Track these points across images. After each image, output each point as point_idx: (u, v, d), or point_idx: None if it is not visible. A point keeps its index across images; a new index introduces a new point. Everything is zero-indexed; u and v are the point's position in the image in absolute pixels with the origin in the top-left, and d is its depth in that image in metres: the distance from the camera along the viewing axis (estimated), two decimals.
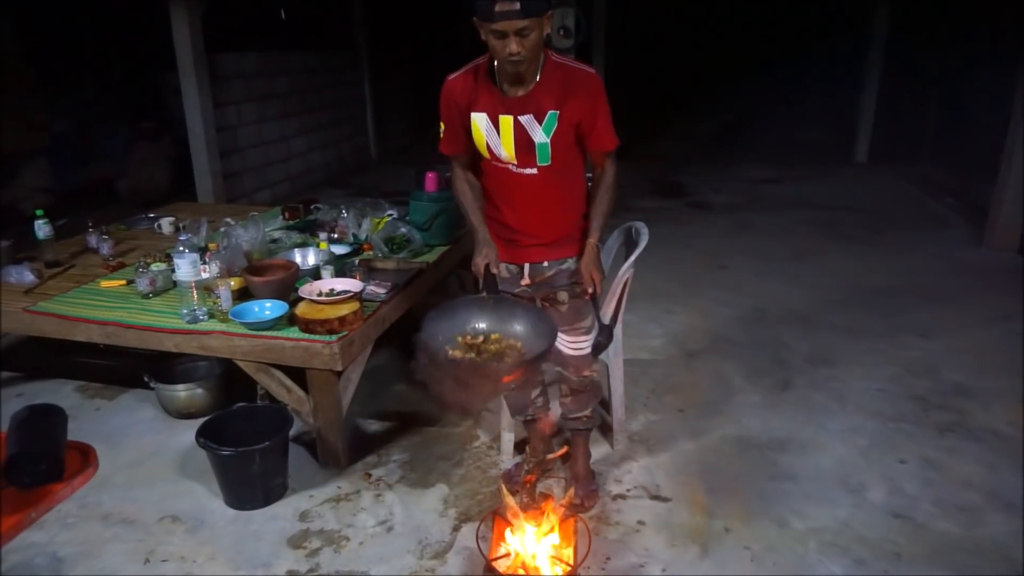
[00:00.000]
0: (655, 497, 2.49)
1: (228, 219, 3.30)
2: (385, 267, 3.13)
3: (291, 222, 3.78)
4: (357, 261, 3.13)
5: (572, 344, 2.25)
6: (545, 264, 2.20)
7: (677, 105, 12.63)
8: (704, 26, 13.00)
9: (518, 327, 2.00)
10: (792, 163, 8.65)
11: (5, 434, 1.36)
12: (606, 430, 2.85)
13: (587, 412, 2.44)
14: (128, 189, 6.65)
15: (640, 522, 2.36)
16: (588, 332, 2.26)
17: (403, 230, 3.34)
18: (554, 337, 1.92)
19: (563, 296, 2.23)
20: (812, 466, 2.66)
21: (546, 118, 1.95)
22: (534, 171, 2.04)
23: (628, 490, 2.53)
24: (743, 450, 2.77)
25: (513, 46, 1.79)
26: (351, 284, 2.73)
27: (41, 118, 5.82)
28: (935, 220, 6.13)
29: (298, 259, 3.12)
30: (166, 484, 2.59)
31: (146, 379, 2.96)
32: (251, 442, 2.39)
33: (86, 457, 1.44)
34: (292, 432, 2.63)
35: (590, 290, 2.06)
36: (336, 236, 3.50)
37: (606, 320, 2.54)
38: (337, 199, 5.35)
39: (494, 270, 2.10)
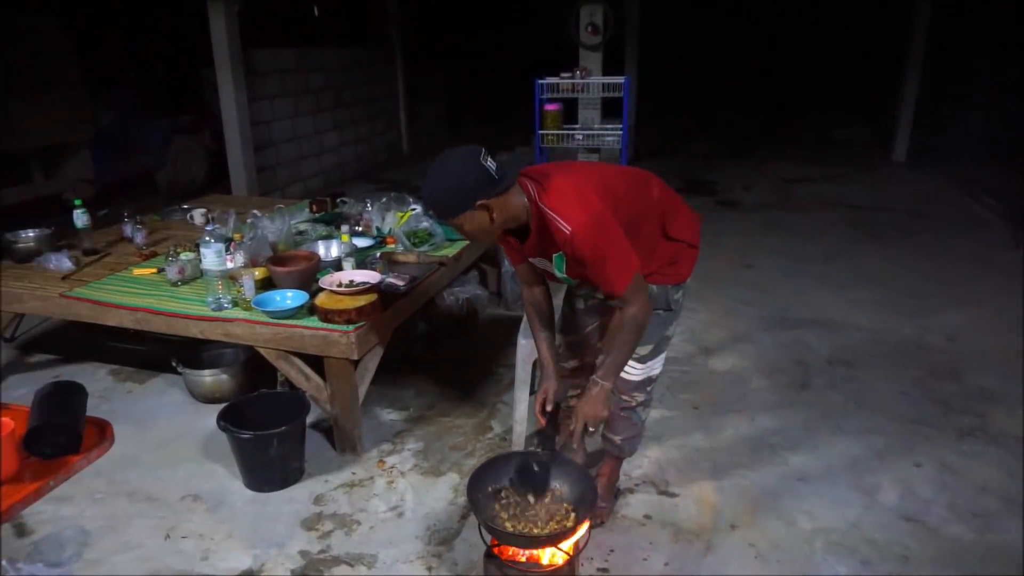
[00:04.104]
0: (663, 492, 2.51)
1: (255, 211, 3.40)
2: (406, 260, 3.20)
3: (317, 215, 3.87)
4: (378, 254, 3.19)
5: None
6: None
7: (711, 102, 12.50)
8: (741, 22, 12.83)
9: (557, 483, 2.07)
10: (827, 162, 8.51)
11: (29, 408, 1.45)
12: None
13: (618, 438, 2.30)
14: (167, 181, 6.88)
15: (646, 516, 2.38)
16: (642, 361, 2.14)
17: (425, 224, 3.40)
18: (595, 500, 1.97)
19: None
20: (824, 466, 2.64)
21: (553, 261, 1.91)
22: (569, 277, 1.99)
23: (636, 484, 2.55)
24: (755, 448, 2.76)
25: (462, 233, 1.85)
26: (370, 276, 2.80)
27: (86, 112, 6.04)
28: (974, 221, 5.98)
29: (321, 251, 3.20)
30: (190, 465, 2.70)
31: (174, 364, 3.08)
32: (270, 427, 2.47)
33: (103, 432, 1.53)
34: (310, 419, 2.71)
35: (571, 429, 1.96)
36: (360, 229, 3.57)
37: None
38: (367, 193, 5.44)
39: (548, 407, 2.05)
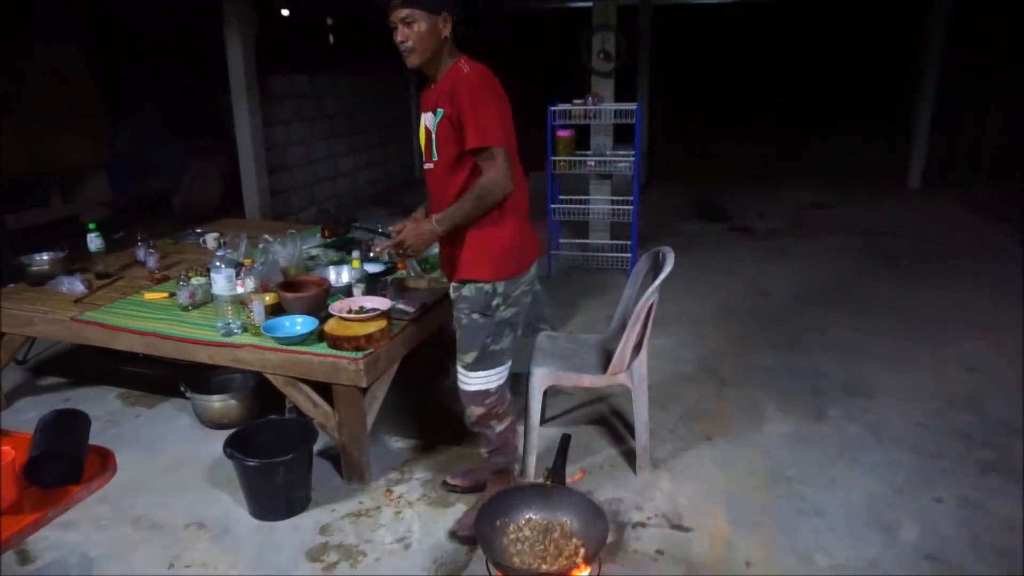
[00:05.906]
0: (676, 526, 2.45)
1: (266, 236, 3.40)
2: (416, 286, 3.18)
3: (329, 240, 3.87)
4: (389, 280, 3.18)
5: (459, 375, 2.26)
6: (453, 284, 2.23)
7: (725, 128, 12.51)
8: (753, 48, 12.88)
9: (568, 517, 2.08)
10: (842, 187, 8.45)
11: (31, 435, 1.44)
12: (630, 456, 2.82)
13: (483, 451, 2.42)
14: (182, 204, 6.94)
15: (659, 551, 2.33)
16: (469, 369, 2.20)
17: (436, 250, 3.38)
18: (606, 537, 1.96)
19: (455, 322, 2.25)
20: (842, 501, 2.57)
21: (436, 113, 2.07)
22: (431, 165, 2.15)
23: (648, 518, 2.49)
24: (770, 482, 2.70)
25: (398, 35, 2.00)
26: (380, 302, 2.78)
27: (104, 135, 6.12)
28: (990, 247, 5.91)
29: (332, 276, 3.20)
30: (196, 491, 2.67)
31: (183, 389, 3.07)
32: (277, 454, 2.44)
33: (105, 460, 1.51)
34: (318, 446, 2.68)
35: (394, 240, 2.16)
36: (372, 255, 3.56)
37: (628, 347, 2.53)
38: (381, 218, 5.46)
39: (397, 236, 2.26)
